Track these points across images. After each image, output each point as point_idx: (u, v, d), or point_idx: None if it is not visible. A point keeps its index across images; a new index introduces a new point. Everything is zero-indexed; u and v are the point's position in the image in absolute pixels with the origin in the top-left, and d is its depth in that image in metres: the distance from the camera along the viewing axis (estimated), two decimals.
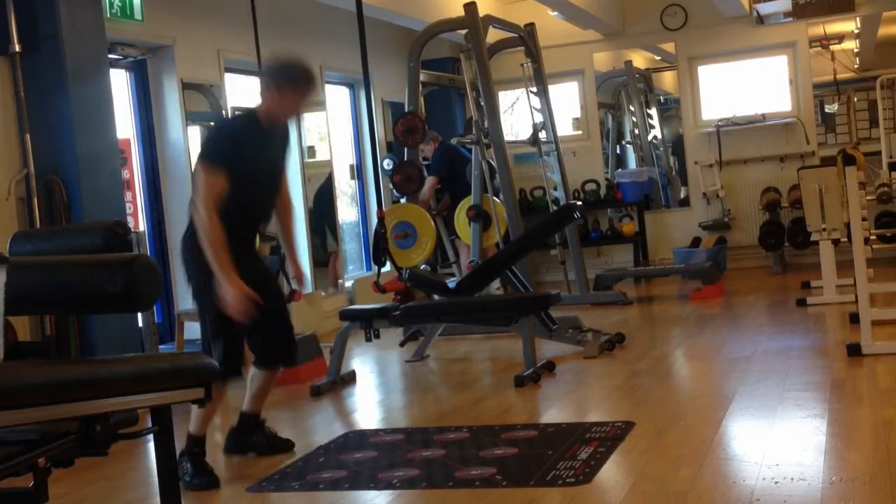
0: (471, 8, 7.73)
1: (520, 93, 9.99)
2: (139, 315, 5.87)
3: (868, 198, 8.12)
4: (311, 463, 4.22)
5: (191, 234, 4.05)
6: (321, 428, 4.86)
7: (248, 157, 4.03)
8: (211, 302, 4.00)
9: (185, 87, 7.20)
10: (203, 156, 4.01)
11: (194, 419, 4.11)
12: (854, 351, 5.34)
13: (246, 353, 4.27)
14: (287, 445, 4.46)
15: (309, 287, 4.23)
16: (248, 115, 4.18)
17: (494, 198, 7.96)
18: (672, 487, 3.49)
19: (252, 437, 4.43)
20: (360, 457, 4.24)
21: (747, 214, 10.50)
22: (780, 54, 10.52)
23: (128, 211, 6.45)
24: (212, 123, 3.87)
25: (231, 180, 3.94)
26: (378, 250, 6.07)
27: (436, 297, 6.60)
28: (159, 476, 2.79)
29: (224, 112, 7.50)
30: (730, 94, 10.69)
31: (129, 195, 6.77)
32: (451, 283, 6.53)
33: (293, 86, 4.06)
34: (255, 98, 4.16)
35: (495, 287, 7.83)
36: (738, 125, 10.46)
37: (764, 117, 10.39)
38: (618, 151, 11.81)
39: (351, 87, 9.78)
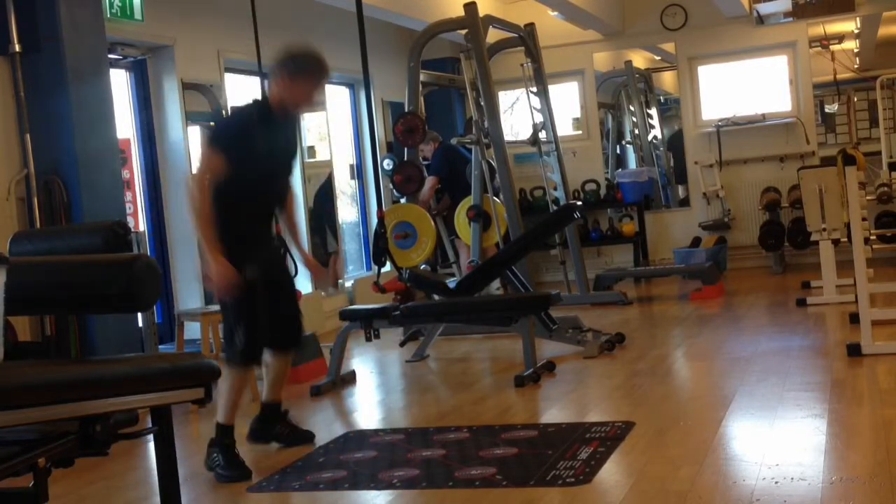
0: (471, 8, 7.73)
1: (520, 93, 10.00)
2: (139, 315, 5.87)
3: (868, 198, 8.13)
4: (311, 463, 4.22)
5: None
6: (321, 428, 4.86)
7: (258, 142, 4.05)
8: (234, 290, 4.04)
9: (185, 87, 7.20)
10: (209, 137, 4.03)
11: (221, 407, 4.17)
12: (854, 351, 5.34)
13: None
14: (308, 437, 4.52)
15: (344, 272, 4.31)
16: (259, 103, 4.17)
17: (494, 198, 7.96)
18: (672, 487, 3.49)
19: (275, 426, 4.49)
20: (360, 457, 4.24)
21: (747, 214, 10.50)
22: (780, 54, 10.52)
23: (128, 211, 6.45)
24: (212, 123, 3.87)
25: (241, 164, 3.98)
26: (378, 250, 6.06)
27: (436, 297, 6.60)
28: (159, 476, 2.79)
29: (224, 112, 7.50)
30: (730, 94, 10.69)
31: (129, 195, 6.77)
32: (451, 283, 6.53)
33: (306, 75, 4.07)
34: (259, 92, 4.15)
35: (495, 287, 7.83)
36: (738, 125, 10.46)
37: (764, 117, 10.39)
38: (618, 151, 11.81)
39: (351, 87, 9.78)
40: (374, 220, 7.18)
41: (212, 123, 3.89)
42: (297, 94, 4.09)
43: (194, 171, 3.96)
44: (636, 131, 11.62)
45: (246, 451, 4.35)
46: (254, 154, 4.05)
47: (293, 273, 4.44)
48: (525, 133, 9.40)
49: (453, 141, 8.34)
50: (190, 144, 7.21)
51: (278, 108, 4.13)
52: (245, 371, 4.23)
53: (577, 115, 11.16)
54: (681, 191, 11.22)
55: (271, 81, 4.06)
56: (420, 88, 8.01)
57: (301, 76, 4.05)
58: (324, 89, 4.23)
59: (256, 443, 4.47)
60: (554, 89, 9.36)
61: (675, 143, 11.28)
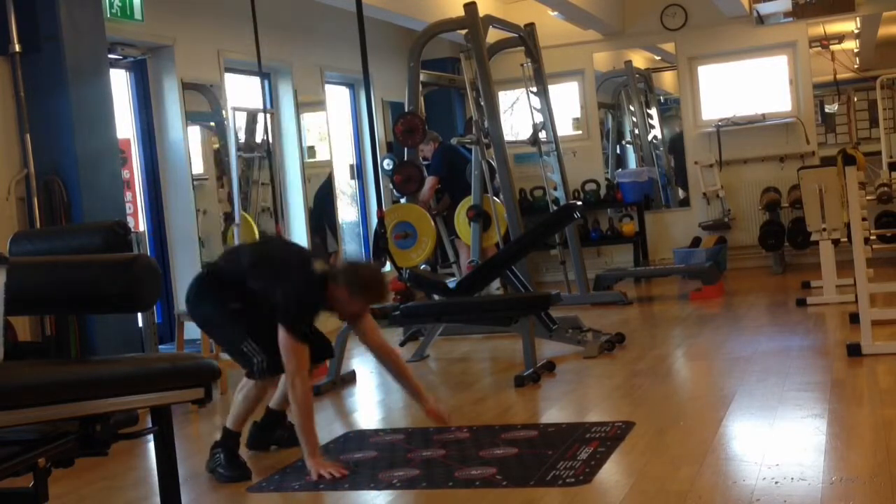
0: (471, 8, 7.73)
1: (520, 93, 10.00)
2: (139, 315, 5.87)
3: (868, 198, 8.12)
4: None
5: (200, 284, 4.30)
6: (321, 428, 4.84)
7: (307, 319, 4.21)
8: (230, 319, 4.18)
9: (185, 87, 7.20)
10: (287, 321, 4.01)
11: (232, 414, 4.23)
12: (854, 351, 5.34)
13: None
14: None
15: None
16: (321, 288, 4.16)
17: (494, 198, 7.96)
18: (672, 487, 3.49)
19: (274, 431, 4.52)
20: (360, 457, 4.24)
21: (747, 214, 10.50)
22: (780, 54, 10.52)
23: (128, 211, 6.44)
24: (288, 285, 3.98)
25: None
26: (378, 250, 6.07)
27: (436, 297, 6.60)
28: (159, 476, 2.79)
29: (224, 112, 7.50)
30: (730, 94, 10.69)
31: (129, 195, 6.77)
32: (451, 283, 6.53)
33: (364, 299, 4.17)
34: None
35: (495, 287, 7.83)
36: (738, 125, 10.46)
37: (764, 117, 10.39)
38: (618, 151, 11.80)
39: (351, 87, 9.78)
40: (374, 220, 7.19)
41: (278, 288, 4.01)
42: (348, 307, 4.18)
43: (290, 365, 4.00)
44: (636, 131, 11.61)
45: (246, 450, 4.36)
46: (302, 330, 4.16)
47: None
48: (525, 133, 9.39)
49: (453, 141, 8.34)
50: (190, 144, 7.21)
51: (331, 303, 4.18)
52: (264, 387, 4.24)
53: (577, 115, 11.16)
54: (681, 193, 11.21)
55: (333, 284, 4.12)
56: (420, 88, 8.02)
57: (360, 298, 4.15)
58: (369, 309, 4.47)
59: (257, 450, 4.47)
60: (554, 89, 9.37)
61: (676, 145, 11.28)
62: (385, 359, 4.41)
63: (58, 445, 2.41)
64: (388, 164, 8.83)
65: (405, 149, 7.84)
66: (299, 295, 4.08)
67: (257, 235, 7.13)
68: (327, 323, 8.29)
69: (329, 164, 9.10)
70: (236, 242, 6.82)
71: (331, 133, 9.11)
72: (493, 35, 8.33)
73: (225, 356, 6.03)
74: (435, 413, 4.34)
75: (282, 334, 3.99)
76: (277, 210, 8.02)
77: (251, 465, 4.18)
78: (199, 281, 4.34)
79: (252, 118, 7.99)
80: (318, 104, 8.97)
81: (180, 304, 7.08)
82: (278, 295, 4.05)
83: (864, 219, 5.63)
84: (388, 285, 4.43)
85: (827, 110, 11.24)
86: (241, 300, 4.19)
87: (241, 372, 4.24)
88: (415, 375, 4.52)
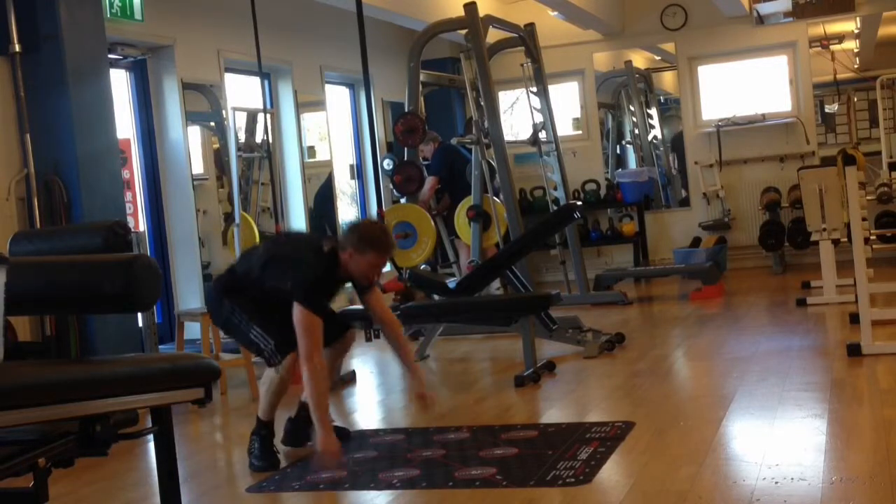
0: (471, 8, 7.73)
1: (520, 93, 10.00)
2: (139, 315, 5.87)
3: (868, 198, 8.12)
4: (311, 463, 4.22)
5: (219, 284, 4.39)
6: None
7: (327, 296, 4.28)
8: (245, 310, 4.24)
9: (185, 87, 7.20)
10: (300, 297, 4.04)
11: (261, 406, 4.28)
12: (854, 351, 5.34)
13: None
14: (343, 433, 4.49)
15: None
16: (332, 259, 4.21)
17: (494, 198, 7.96)
18: (672, 487, 3.49)
19: (308, 427, 4.43)
20: (360, 457, 4.24)
21: (747, 214, 10.50)
22: (780, 54, 10.52)
23: (128, 211, 6.44)
24: (299, 267, 4.00)
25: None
26: None
27: (436, 297, 6.59)
28: (159, 476, 2.79)
29: (224, 112, 7.50)
30: (730, 94, 10.69)
31: (129, 195, 6.77)
32: (451, 283, 6.53)
33: (372, 251, 4.17)
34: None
35: (495, 287, 7.83)
36: (738, 125, 10.46)
37: (764, 117, 10.39)
38: (618, 151, 11.80)
39: (351, 87, 9.79)
40: None
41: (289, 275, 4.05)
42: (360, 267, 4.20)
43: (304, 341, 4.00)
44: (636, 131, 11.61)
45: (281, 446, 4.40)
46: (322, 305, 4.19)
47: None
48: (525, 133, 9.40)
49: (453, 141, 8.34)
50: (190, 144, 7.22)
51: (344, 270, 4.23)
52: (287, 370, 4.24)
53: (577, 115, 11.16)
54: (683, 192, 11.21)
55: (342, 253, 4.17)
56: (420, 88, 8.02)
57: (367, 251, 4.17)
58: (384, 264, 4.48)
59: (292, 446, 4.47)
60: (554, 89, 9.37)
61: (678, 145, 11.28)
62: (388, 329, 4.48)
63: (58, 445, 2.41)
64: (388, 164, 8.84)
65: (405, 149, 7.84)
66: (312, 272, 4.11)
67: (257, 236, 7.12)
68: None
69: (329, 164, 9.10)
70: (236, 242, 6.82)
71: (331, 133, 9.11)
72: (493, 35, 8.33)
73: (225, 356, 6.06)
74: (421, 396, 4.32)
75: (296, 312, 4.00)
76: (277, 210, 8.02)
77: (244, 467, 4.19)
78: (216, 284, 4.44)
79: (252, 118, 7.99)
80: (318, 104, 8.98)
81: (180, 304, 7.09)
82: (290, 278, 4.09)
83: (864, 219, 5.62)
84: (391, 234, 4.41)
85: (827, 110, 11.24)
86: (257, 299, 4.25)
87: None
88: (412, 352, 4.52)
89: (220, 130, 7.64)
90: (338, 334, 4.46)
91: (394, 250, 4.46)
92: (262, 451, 4.21)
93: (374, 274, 4.34)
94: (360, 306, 4.63)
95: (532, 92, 8.80)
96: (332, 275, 4.20)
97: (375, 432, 4.73)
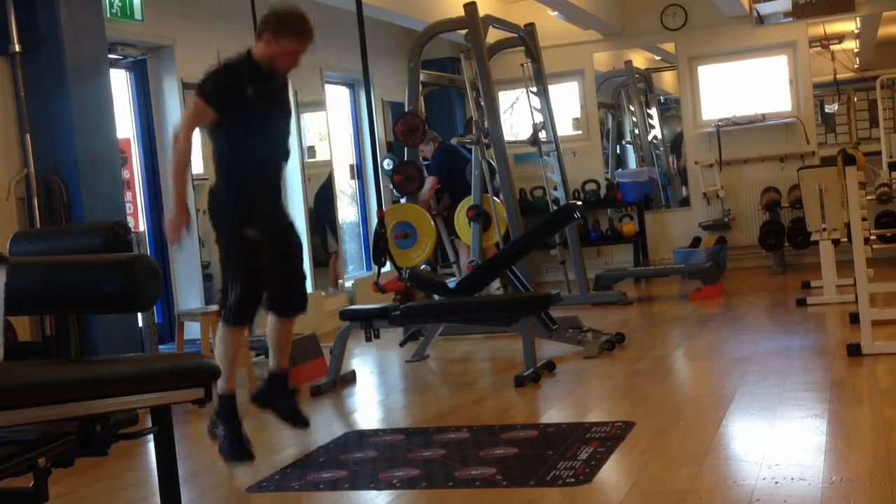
0: (471, 8, 7.73)
1: (520, 93, 9.99)
2: (139, 315, 5.87)
3: (868, 198, 8.12)
4: (311, 463, 4.22)
5: (213, 191, 4.25)
6: (321, 428, 4.86)
7: (247, 91, 4.12)
8: (233, 247, 4.15)
9: (185, 87, 7.20)
10: (197, 86, 4.07)
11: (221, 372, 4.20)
12: (854, 351, 5.34)
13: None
14: (303, 422, 4.50)
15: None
16: (246, 56, 4.18)
17: (494, 198, 7.96)
18: (672, 487, 3.49)
19: (280, 399, 4.46)
20: (360, 457, 4.24)
21: (747, 214, 10.50)
22: (780, 54, 10.52)
23: (128, 211, 6.45)
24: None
25: (233, 114, 4.05)
26: (378, 250, 6.06)
27: (436, 297, 6.59)
28: (159, 476, 2.79)
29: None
30: (730, 94, 10.69)
31: (129, 195, 6.77)
32: (451, 283, 6.53)
33: (290, 34, 4.10)
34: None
35: (495, 287, 7.83)
36: (738, 125, 10.46)
37: (764, 117, 10.39)
38: (618, 151, 11.81)
39: (351, 87, 9.78)
40: (374, 220, 7.18)
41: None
42: (281, 54, 4.12)
43: (183, 120, 4.03)
44: (636, 131, 11.62)
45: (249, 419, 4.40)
46: (245, 103, 4.10)
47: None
48: (525, 133, 9.40)
49: (453, 141, 8.34)
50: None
51: (265, 65, 4.16)
52: (236, 332, 4.20)
53: (577, 115, 11.16)
54: (683, 191, 11.22)
55: (257, 39, 4.12)
56: (420, 88, 8.02)
57: (285, 34, 4.09)
58: (306, 50, 4.26)
59: (259, 406, 4.45)
60: (554, 89, 9.37)
61: (678, 146, 11.28)
62: None
63: (58, 445, 2.41)
64: (388, 164, 8.84)
65: (405, 149, 7.84)
66: (214, 67, 4.13)
67: None
68: (326, 323, 8.32)
69: (329, 164, 9.10)
70: None
71: (331, 133, 9.11)
72: (493, 35, 8.33)
73: None
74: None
75: (189, 104, 4.02)
76: None
77: (244, 468, 4.18)
78: (216, 192, 4.29)
79: None
80: (318, 104, 8.97)
81: (180, 304, 7.09)
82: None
83: (864, 219, 5.63)
84: (298, 12, 4.24)
85: (827, 110, 11.25)
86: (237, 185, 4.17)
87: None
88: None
89: None
90: (288, 307, 4.37)
91: (311, 38, 4.24)
92: (233, 439, 4.11)
93: (293, 58, 4.20)
94: (360, 306, 4.64)
95: (532, 92, 8.80)
96: (248, 69, 4.11)
97: (375, 432, 4.73)
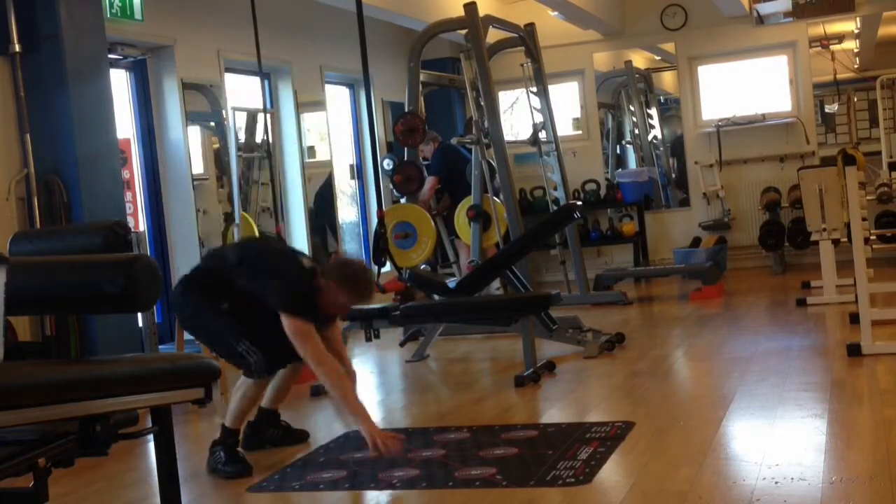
0: (471, 8, 7.73)
1: (520, 93, 9.99)
2: (139, 315, 5.87)
3: (868, 198, 8.12)
4: (311, 463, 4.22)
5: (187, 285, 4.29)
6: (321, 428, 4.86)
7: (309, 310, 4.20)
8: (221, 319, 4.19)
9: (185, 87, 7.20)
10: (288, 308, 4.06)
11: (231, 412, 4.25)
12: (854, 351, 5.34)
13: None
14: (302, 436, 4.58)
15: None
16: (311, 280, 4.20)
17: (494, 198, 7.96)
18: (672, 487, 3.49)
19: (268, 431, 4.54)
20: (360, 457, 4.23)
21: (747, 214, 10.50)
22: (780, 54, 10.52)
23: (128, 211, 6.45)
24: (281, 277, 3.98)
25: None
26: (378, 250, 6.07)
27: (436, 297, 6.59)
28: (159, 476, 2.79)
29: (224, 112, 7.50)
30: (730, 94, 10.69)
31: (129, 195, 6.77)
32: (451, 283, 6.53)
33: (351, 292, 4.18)
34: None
35: (495, 287, 7.83)
36: (738, 125, 10.46)
37: (764, 117, 10.39)
38: (618, 151, 11.80)
39: (351, 87, 9.79)
40: (374, 220, 7.18)
41: (275, 283, 4.03)
42: (335, 303, 4.21)
43: (307, 349, 4.05)
44: (636, 131, 11.61)
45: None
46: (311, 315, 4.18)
47: None
48: (525, 133, 9.40)
49: (453, 141, 8.34)
50: (190, 144, 7.21)
51: (320, 301, 4.21)
52: (263, 385, 4.30)
53: (577, 115, 11.16)
54: (681, 194, 11.22)
55: (323, 278, 4.18)
56: (420, 88, 8.02)
57: (346, 292, 4.18)
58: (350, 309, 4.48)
59: (251, 450, 4.46)
60: (554, 89, 9.37)
61: (678, 148, 11.27)
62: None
63: (58, 445, 2.41)
64: (388, 164, 8.84)
65: (405, 149, 7.84)
66: (294, 284, 4.13)
67: (257, 235, 7.12)
68: None
69: (329, 164, 9.10)
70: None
71: (331, 133, 9.11)
72: (493, 35, 8.33)
73: None
74: (375, 450, 4.06)
75: (286, 322, 4.02)
76: (277, 210, 8.02)
77: (252, 464, 4.18)
78: (185, 282, 4.33)
79: (252, 118, 7.99)
80: (318, 104, 8.97)
81: None
82: (272, 287, 4.09)
83: (864, 219, 5.62)
84: (374, 285, 4.45)
85: (827, 110, 11.23)
86: (230, 300, 4.21)
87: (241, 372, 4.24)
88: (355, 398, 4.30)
89: (220, 130, 7.64)
90: (285, 358, 4.36)
91: (368, 301, 4.47)
92: (230, 457, 4.15)
93: (343, 312, 4.38)
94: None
95: (532, 92, 8.80)
96: (310, 291, 4.18)
97: None
